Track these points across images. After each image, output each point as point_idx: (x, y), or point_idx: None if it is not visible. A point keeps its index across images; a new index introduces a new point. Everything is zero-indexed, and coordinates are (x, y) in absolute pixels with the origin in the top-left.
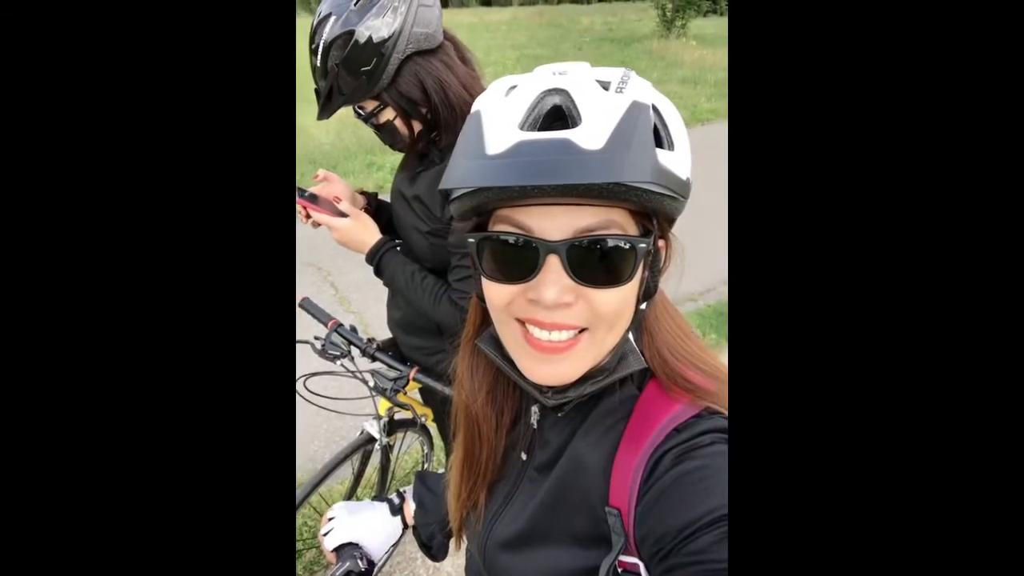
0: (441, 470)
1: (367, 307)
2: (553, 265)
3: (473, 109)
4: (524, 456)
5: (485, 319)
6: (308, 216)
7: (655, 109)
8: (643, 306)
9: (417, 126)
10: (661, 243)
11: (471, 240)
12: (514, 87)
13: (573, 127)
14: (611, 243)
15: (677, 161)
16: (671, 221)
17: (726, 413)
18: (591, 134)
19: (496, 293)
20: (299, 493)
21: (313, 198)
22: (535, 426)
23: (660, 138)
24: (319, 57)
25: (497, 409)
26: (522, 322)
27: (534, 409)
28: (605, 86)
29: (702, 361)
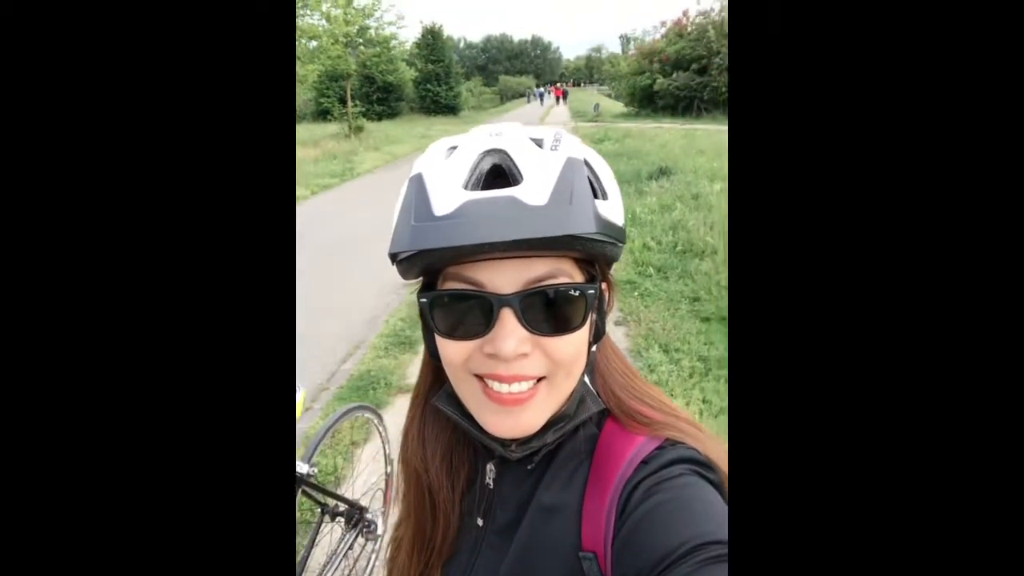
0: None
1: None
2: (507, 318)
3: (413, 172)
4: (481, 522)
5: (436, 378)
6: None
7: (587, 163)
8: (594, 348)
9: None
10: (604, 286)
11: (423, 300)
12: (453, 148)
13: (515, 184)
14: (561, 291)
15: (612, 209)
16: (610, 264)
17: (687, 442)
18: (534, 190)
19: (453, 351)
20: None
21: None
22: (491, 485)
23: (595, 189)
24: None
25: (454, 474)
26: (480, 377)
27: (489, 467)
28: (539, 143)
29: (650, 397)
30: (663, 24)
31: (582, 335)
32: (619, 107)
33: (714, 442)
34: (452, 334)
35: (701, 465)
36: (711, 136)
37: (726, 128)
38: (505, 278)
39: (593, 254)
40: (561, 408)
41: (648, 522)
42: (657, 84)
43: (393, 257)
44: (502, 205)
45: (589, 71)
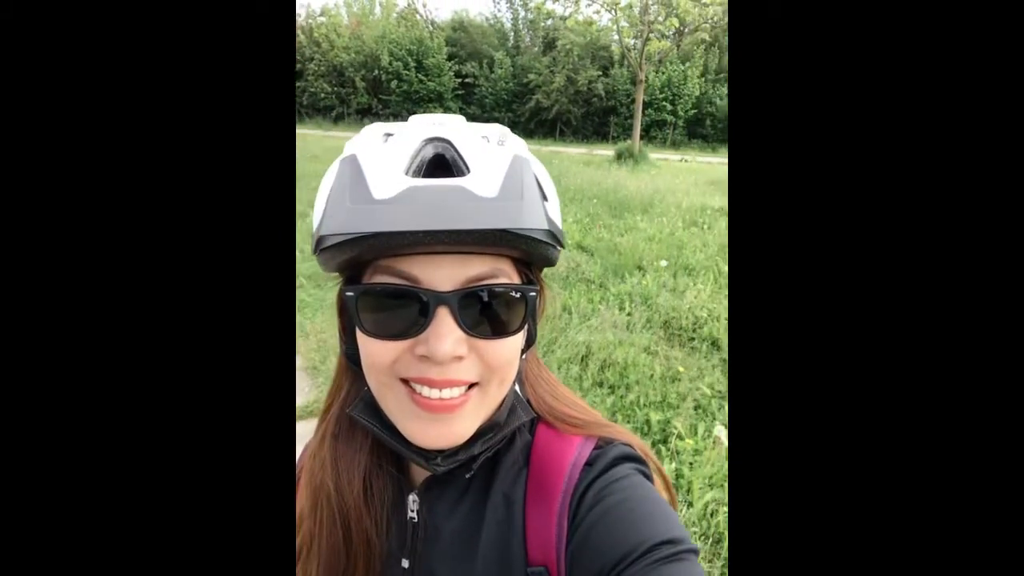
0: None
1: None
2: (444, 317)
3: (346, 152)
4: (407, 563)
5: (351, 387)
6: None
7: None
8: (524, 356)
9: None
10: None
11: (349, 294)
12: (389, 135)
13: (459, 176)
14: (503, 292)
15: (555, 211)
16: (543, 268)
17: (618, 439)
18: (483, 182)
19: (380, 352)
20: None
21: None
22: (415, 519)
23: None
24: None
25: (373, 501)
26: (407, 382)
27: (412, 499)
28: (484, 138)
29: (573, 403)
30: None
31: (518, 340)
32: None
33: (633, 436)
34: (381, 333)
35: (639, 461)
36: (319, 141)
37: (334, 134)
38: (442, 275)
39: (535, 255)
40: (491, 417)
41: (604, 525)
42: None
43: (318, 243)
44: (449, 193)
45: None
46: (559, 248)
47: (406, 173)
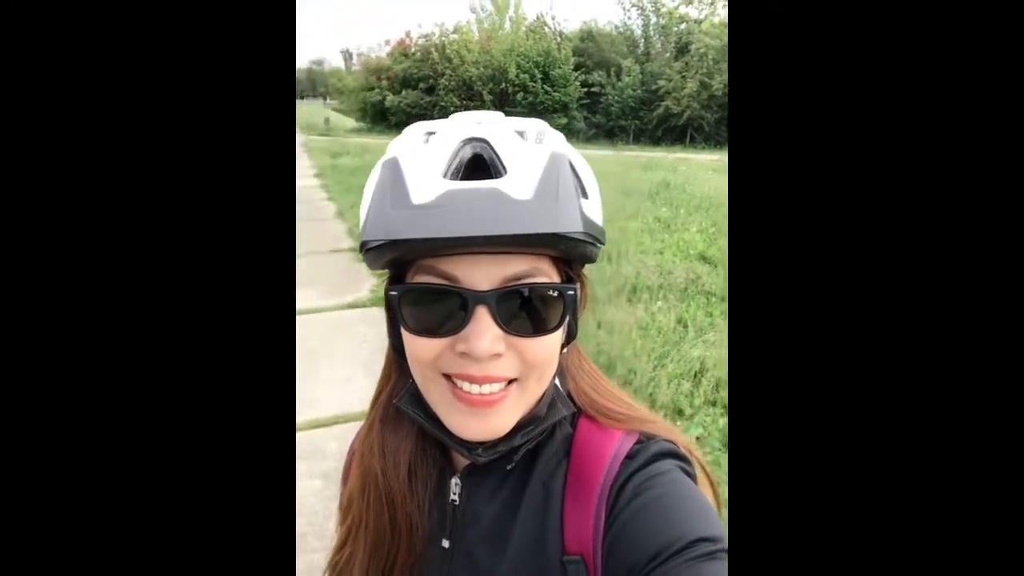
0: None
1: None
2: (483, 316)
3: (388, 155)
4: (447, 543)
5: (399, 378)
6: None
7: (569, 160)
8: (564, 351)
9: None
10: (578, 286)
11: (393, 293)
12: (431, 134)
13: (497, 176)
14: (541, 291)
15: (594, 209)
16: (584, 264)
17: (660, 435)
18: (519, 184)
19: (423, 348)
20: None
21: None
22: (456, 502)
23: (578, 187)
24: None
25: (418, 486)
26: (449, 377)
27: (454, 483)
28: (522, 136)
29: (613, 396)
30: (387, 43)
31: (557, 337)
32: (350, 122)
33: (677, 433)
34: (423, 331)
35: (680, 458)
36: None
37: None
38: (481, 274)
39: (573, 253)
40: (531, 411)
41: (642, 519)
42: (388, 101)
43: (363, 245)
44: (485, 197)
45: (312, 84)
46: (599, 246)
47: (444, 175)
